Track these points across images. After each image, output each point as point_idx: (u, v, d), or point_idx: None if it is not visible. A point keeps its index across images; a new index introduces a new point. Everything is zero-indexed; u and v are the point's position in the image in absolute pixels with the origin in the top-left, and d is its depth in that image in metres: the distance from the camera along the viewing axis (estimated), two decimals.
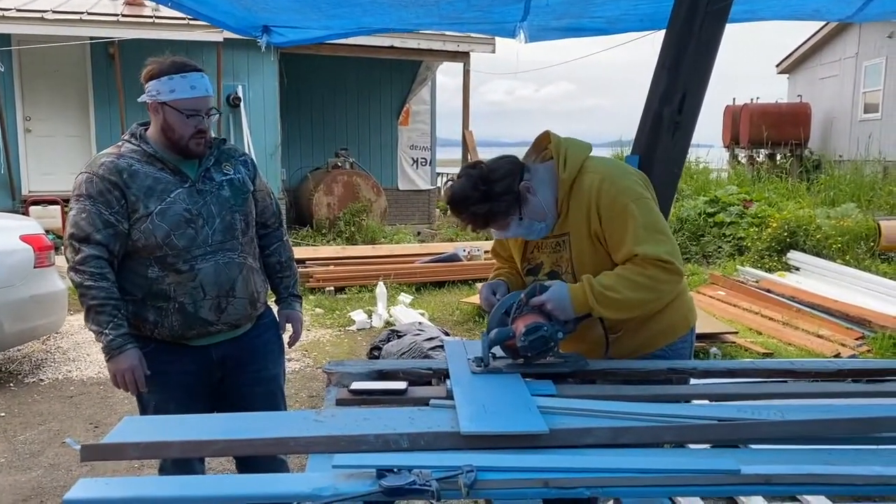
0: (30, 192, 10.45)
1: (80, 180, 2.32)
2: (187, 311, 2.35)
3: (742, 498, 3.02)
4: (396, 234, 11.66)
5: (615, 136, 15.31)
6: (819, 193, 12.10)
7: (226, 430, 1.69)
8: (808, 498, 3.04)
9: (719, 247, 9.77)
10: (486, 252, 8.75)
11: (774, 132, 15.38)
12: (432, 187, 14.14)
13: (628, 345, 2.30)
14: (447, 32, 10.97)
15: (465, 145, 12.82)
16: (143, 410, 2.49)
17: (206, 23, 4.65)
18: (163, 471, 2.53)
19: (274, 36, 4.09)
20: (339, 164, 12.15)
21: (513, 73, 12.57)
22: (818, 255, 8.64)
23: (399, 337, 5.21)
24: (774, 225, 9.14)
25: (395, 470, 1.45)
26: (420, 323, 5.94)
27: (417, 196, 13.88)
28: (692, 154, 13.32)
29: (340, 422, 1.71)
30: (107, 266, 2.28)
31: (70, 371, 5.35)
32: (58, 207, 9.65)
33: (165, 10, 9.26)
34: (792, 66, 18.45)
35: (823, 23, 15.47)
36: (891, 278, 7.65)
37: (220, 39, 10.30)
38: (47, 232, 5.78)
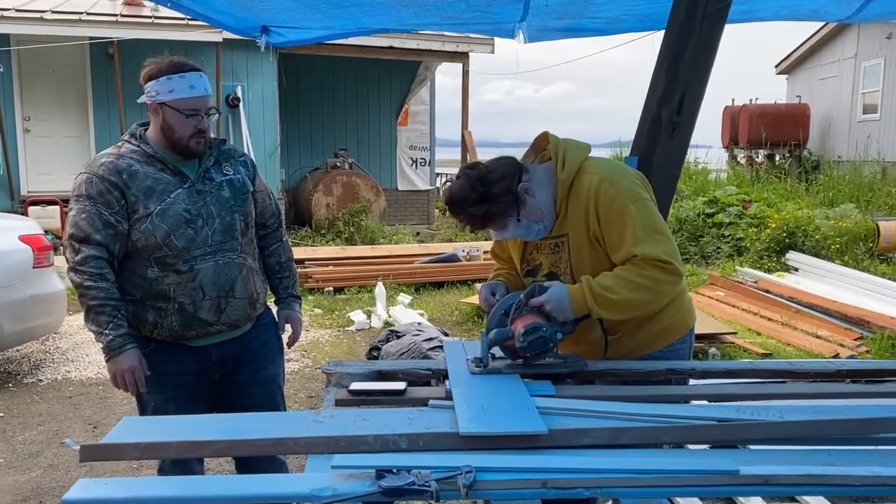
0: (29, 192, 10.44)
1: (80, 181, 2.32)
2: (187, 311, 2.35)
3: (741, 498, 3.02)
4: (395, 234, 11.66)
5: (614, 136, 15.34)
6: (818, 194, 12.10)
7: (225, 431, 1.69)
8: (807, 499, 3.04)
9: (718, 247, 9.77)
10: (485, 252, 8.75)
11: (773, 133, 15.38)
12: (431, 187, 14.15)
13: (627, 346, 2.30)
14: (446, 33, 10.97)
15: (465, 146, 12.83)
16: (143, 411, 2.49)
17: (205, 23, 4.66)
18: (162, 471, 2.53)
19: (273, 36, 4.09)
20: (339, 164, 12.16)
21: (512, 74, 12.58)
22: (817, 255, 8.65)
23: (398, 337, 5.21)
24: (773, 225, 9.15)
25: (394, 470, 1.45)
26: (419, 323, 5.94)
27: (416, 196, 13.89)
28: (691, 154, 13.34)
29: (339, 422, 1.71)
30: (106, 266, 2.28)
31: (69, 371, 5.35)
32: (57, 208, 9.65)
33: (164, 11, 9.25)
34: (791, 66, 18.47)
35: (822, 23, 15.49)
36: (889, 279, 7.66)
37: (220, 40, 10.30)
38: (46, 232, 5.77)
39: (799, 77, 18.30)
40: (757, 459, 1.59)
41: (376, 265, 8.71)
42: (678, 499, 2.96)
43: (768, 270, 8.45)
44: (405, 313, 6.82)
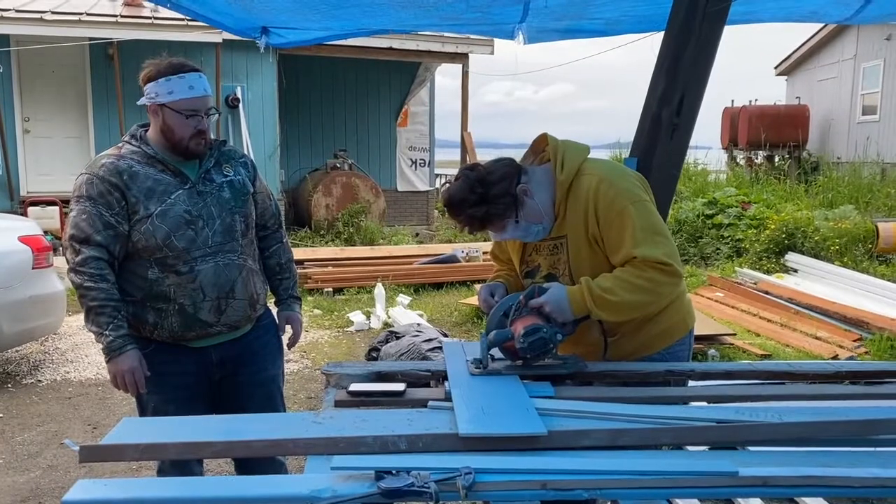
0: (28, 192, 10.44)
1: (81, 181, 2.32)
2: (187, 312, 2.35)
3: (740, 500, 3.02)
4: (395, 235, 11.66)
5: (614, 137, 15.37)
6: (817, 195, 12.11)
7: (224, 432, 1.69)
8: (806, 500, 3.04)
9: (717, 248, 9.78)
10: (484, 253, 8.75)
11: (773, 134, 15.39)
12: (431, 188, 14.15)
13: (626, 348, 2.30)
14: (446, 34, 10.98)
15: (464, 146, 12.83)
16: (143, 411, 2.49)
17: (204, 24, 4.66)
18: (161, 472, 2.53)
19: (273, 37, 4.10)
20: (338, 165, 12.16)
21: (512, 75, 12.58)
22: (816, 256, 8.65)
23: (397, 338, 5.21)
24: (773, 227, 9.16)
25: (394, 472, 1.45)
26: (418, 324, 5.94)
27: (416, 197, 13.89)
28: (690, 156, 13.32)
29: (339, 423, 1.71)
30: (107, 267, 2.28)
31: (68, 372, 5.34)
32: (56, 208, 9.64)
33: (164, 11, 9.23)
34: (790, 67, 18.48)
35: (822, 25, 15.50)
36: (889, 280, 7.67)
37: (219, 40, 10.30)
38: (46, 233, 5.78)
39: (798, 78, 18.32)
40: (756, 461, 1.59)
41: (376, 266, 8.71)
42: (677, 500, 2.96)
43: (767, 272, 8.45)
44: (404, 314, 6.82)
